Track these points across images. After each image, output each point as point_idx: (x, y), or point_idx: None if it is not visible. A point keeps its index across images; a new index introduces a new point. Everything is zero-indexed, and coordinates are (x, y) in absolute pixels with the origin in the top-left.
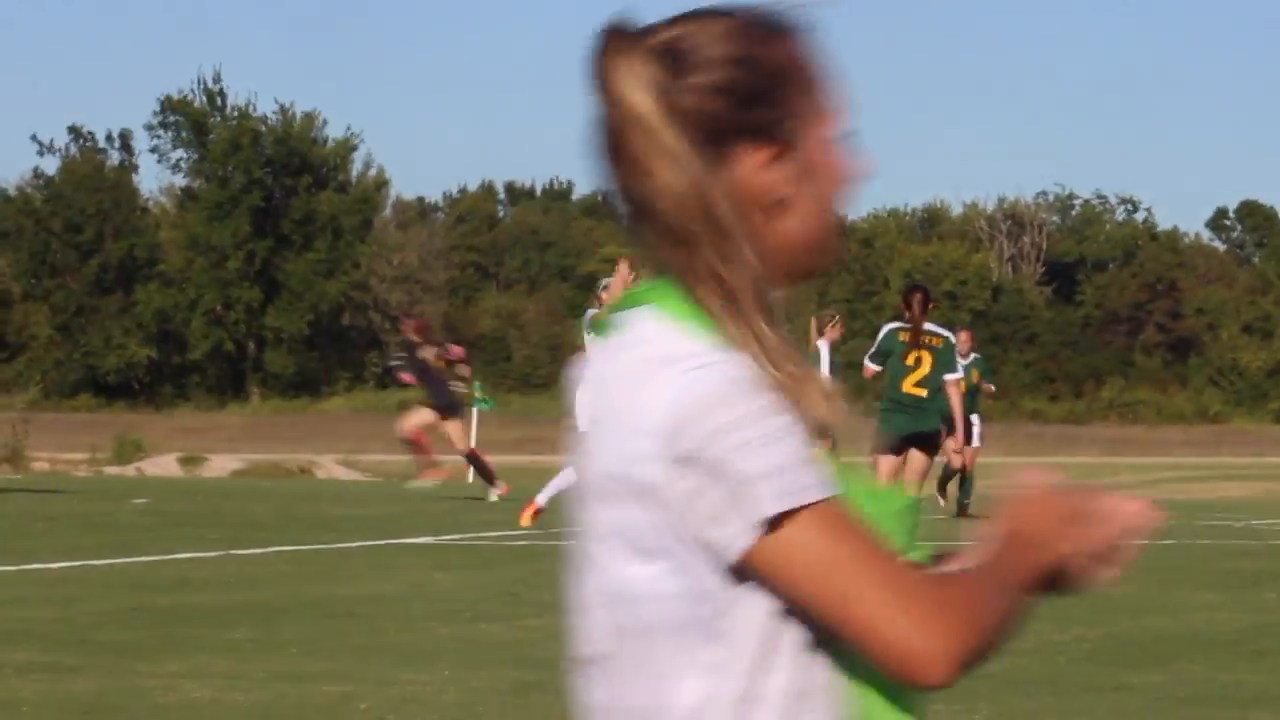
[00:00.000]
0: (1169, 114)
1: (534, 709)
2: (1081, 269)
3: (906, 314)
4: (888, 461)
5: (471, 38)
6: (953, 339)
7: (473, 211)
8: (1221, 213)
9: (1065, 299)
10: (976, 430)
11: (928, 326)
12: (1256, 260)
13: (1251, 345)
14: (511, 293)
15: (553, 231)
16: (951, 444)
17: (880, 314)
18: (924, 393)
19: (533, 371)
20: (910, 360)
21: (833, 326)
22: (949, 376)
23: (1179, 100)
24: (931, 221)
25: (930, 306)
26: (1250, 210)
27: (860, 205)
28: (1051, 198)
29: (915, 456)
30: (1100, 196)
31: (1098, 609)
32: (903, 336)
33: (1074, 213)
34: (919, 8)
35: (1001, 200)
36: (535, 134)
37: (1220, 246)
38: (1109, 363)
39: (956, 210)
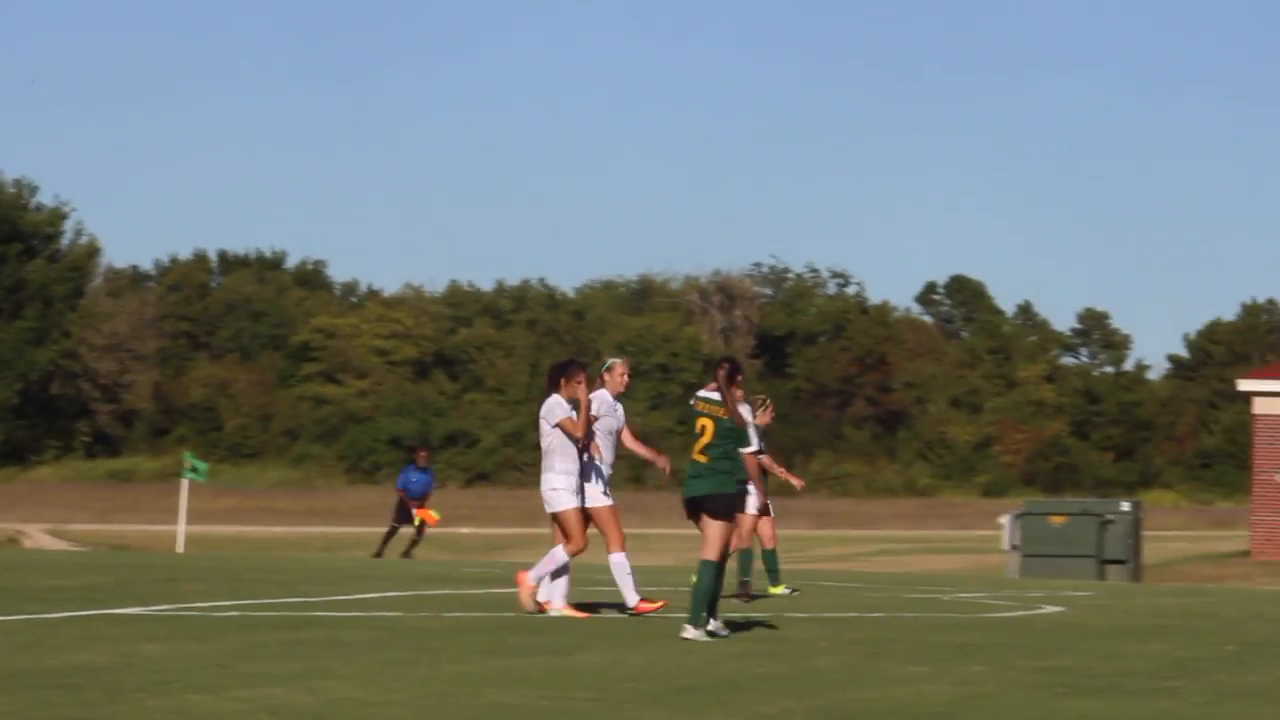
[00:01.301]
0: (881, 188)
1: None
2: (792, 342)
3: (713, 384)
4: (705, 525)
5: (184, 105)
6: (744, 411)
7: (185, 280)
8: (931, 287)
9: (776, 371)
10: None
11: (710, 395)
12: (965, 334)
13: (960, 419)
14: (223, 362)
15: (265, 301)
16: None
17: (590, 386)
18: (705, 459)
19: (244, 441)
20: (697, 428)
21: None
22: (743, 450)
23: (890, 174)
24: (644, 293)
25: (739, 379)
26: (959, 285)
27: (573, 277)
28: (764, 270)
29: (709, 524)
30: (812, 270)
31: (805, 680)
32: (699, 406)
33: (786, 285)
34: (629, 75)
35: (715, 273)
36: (249, 203)
37: (930, 320)
38: (819, 435)
39: (670, 283)
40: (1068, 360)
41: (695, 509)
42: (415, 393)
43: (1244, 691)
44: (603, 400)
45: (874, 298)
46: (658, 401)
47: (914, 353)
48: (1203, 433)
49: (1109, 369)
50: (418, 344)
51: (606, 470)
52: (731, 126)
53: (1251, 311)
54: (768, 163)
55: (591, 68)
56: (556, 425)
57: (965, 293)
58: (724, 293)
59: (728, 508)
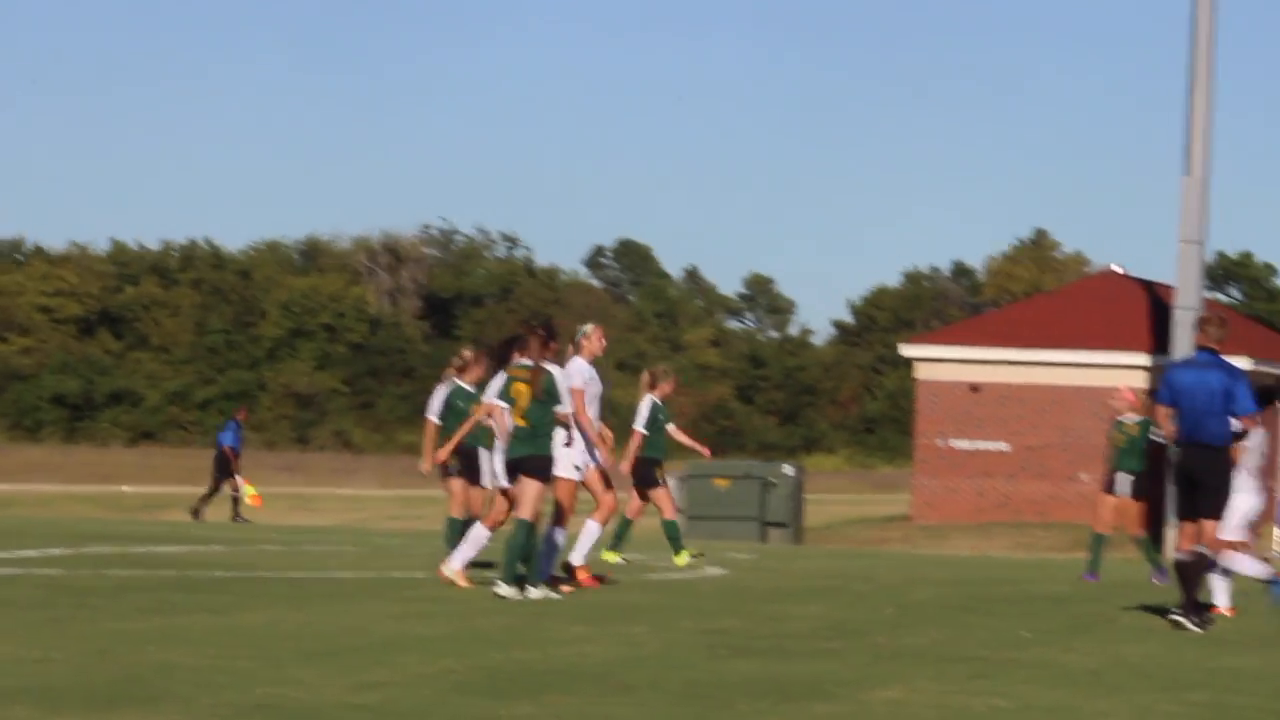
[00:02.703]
0: (550, 150)
1: None
2: (460, 303)
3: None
4: (516, 490)
5: None
6: (556, 373)
7: None
8: (599, 250)
9: (443, 333)
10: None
11: (524, 362)
12: (632, 298)
13: (626, 382)
14: None
15: None
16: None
17: (258, 345)
18: (525, 423)
19: None
20: (513, 393)
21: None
22: (558, 408)
23: (557, 136)
24: (311, 254)
25: (552, 345)
26: (627, 249)
27: (238, 237)
28: (433, 231)
29: (524, 484)
30: (481, 232)
31: (467, 641)
32: (513, 373)
33: (455, 247)
34: (292, 34)
35: (383, 234)
36: None
37: (597, 284)
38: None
39: (337, 243)
40: (734, 324)
41: (514, 470)
42: (80, 350)
43: (901, 653)
44: (581, 368)
45: (542, 260)
46: (323, 362)
47: (581, 316)
48: (866, 398)
49: (774, 334)
50: (83, 302)
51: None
52: (398, 86)
53: (914, 279)
54: (437, 123)
55: (256, 25)
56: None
57: (633, 256)
58: (392, 254)
59: (544, 468)
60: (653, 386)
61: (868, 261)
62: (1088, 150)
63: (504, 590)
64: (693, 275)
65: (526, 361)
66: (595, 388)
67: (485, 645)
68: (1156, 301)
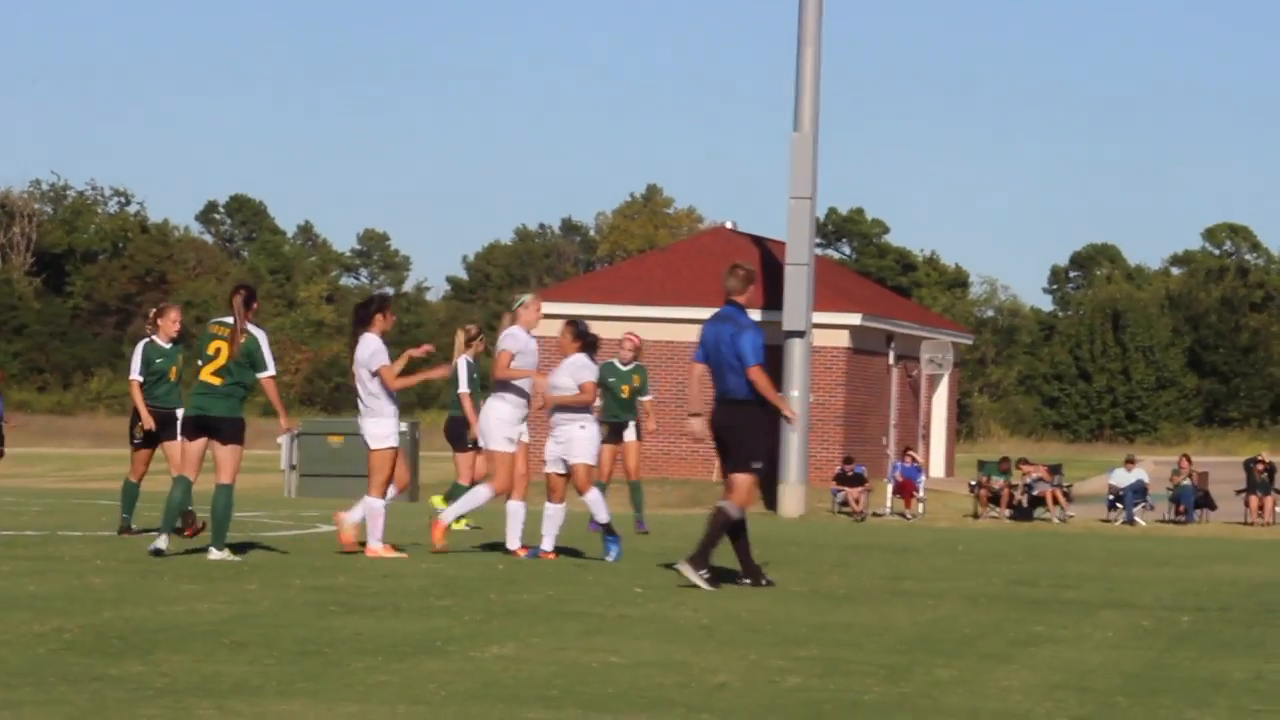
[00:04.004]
0: (163, 107)
1: None
2: (72, 259)
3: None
4: (184, 447)
5: None
6: (260, 337)
7: None
8: (212, 206)
9: (55, 290)
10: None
11: (225, 320)
12: (246, 254)
13: None
14: None
15: None
16: None
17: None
18: (219, 381)
19: None
20: (211, 350)
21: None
22: (261, 374)
23: (172, 94)
24: None
25: (254, 305)
26: (240, 204)
27: None
28: (44, 187)
29: (221, 448)
30: (93, 187)
31: (79, 600)
32: (213, 329)
33: (66, 203)
34: None
35: None
36: None
37: (211, 239)
38: (98, 354)
39: None
40: (348, 281)
41: (203, 429)
42: None
43: (514, 609)
44: (517, 336)
45: (155, 216)
46: None
47: (195, 272)
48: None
49: (389, 290)
50: None
51: (524, 409)
52: (7, 37)
53: (525, 236)
54: (48, 75)
55: None
56: (376, 374)
57: (246, 212)
58: (2, 209)
59: (239, 431)
60: (468, 345)
61: (482, 218)
62: (700, 105)
63: (215, 555)
64: (307, 231)
65: (228, 320)
66: (532, 358)
67: (97, 603)
68: (768, 257)
